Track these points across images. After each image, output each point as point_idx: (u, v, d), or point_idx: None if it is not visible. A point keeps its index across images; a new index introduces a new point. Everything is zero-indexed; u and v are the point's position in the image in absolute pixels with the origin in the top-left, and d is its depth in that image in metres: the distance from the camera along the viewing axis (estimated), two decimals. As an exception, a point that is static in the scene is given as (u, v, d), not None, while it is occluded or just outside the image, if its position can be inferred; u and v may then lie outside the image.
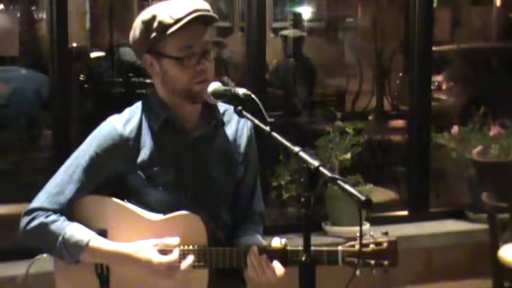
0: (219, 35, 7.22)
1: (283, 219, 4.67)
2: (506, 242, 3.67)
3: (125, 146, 2.23)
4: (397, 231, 4.27)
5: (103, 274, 2.25)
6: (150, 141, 2.25)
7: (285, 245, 2.18)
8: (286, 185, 4.15)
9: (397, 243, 2.16)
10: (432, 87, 5.14)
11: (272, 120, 2.02)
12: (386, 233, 2.17)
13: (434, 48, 5.06)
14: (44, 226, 2.20)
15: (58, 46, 3.87)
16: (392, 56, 7.79)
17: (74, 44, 6.77)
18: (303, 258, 1.85)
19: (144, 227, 2.23)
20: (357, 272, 2.07)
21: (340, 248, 2.16)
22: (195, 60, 2.18)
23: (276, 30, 7.54)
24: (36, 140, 4.82)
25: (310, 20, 8.28)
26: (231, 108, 2.16)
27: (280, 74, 6.88)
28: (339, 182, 1.79)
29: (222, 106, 2.33)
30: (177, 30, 2.14)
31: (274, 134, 1.99)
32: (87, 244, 2.18)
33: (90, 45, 8.15)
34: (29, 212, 2.24)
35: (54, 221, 2.20)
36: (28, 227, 2.21)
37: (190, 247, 2.19)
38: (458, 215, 4.74)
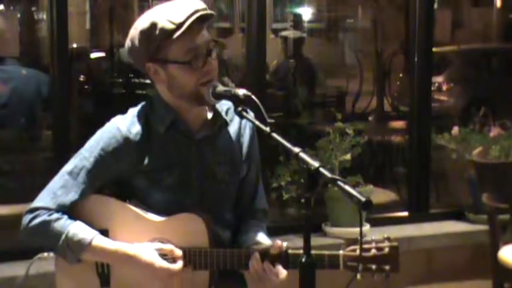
0: (219, 35, 7.23)
1: (283, 220, 4.67)
2: (506, 243, 3.67)
3: (130, 149, 2.24)
4: (397, 232, 4.27)
5: (104, 273, 2.25)
6: (156, 144, 2.25)
7: (287, 249, 2.18)
8: (286, 185, 4.15)
9: (398, 248, 2.16)
10: (432, 88, 5.13)
11: (272, 121, 2.03)
12: (388, 238, 2.17)
13: (434, 49, 5.06)
14: (46, 224, 2.21)
15: (58, 46, 3.87)
16: (392, 56, 7.79)
17: (74, 45, 6.77)
18: (303, 260, 1.85)
19: (145, 228, 2.23)
20: (358, 277, 2.07)
21: (341, 252, 2.15)
22: (201, 62, 2.18)
23: (276, 31, 7.54)
24: (36, 140, 4.81)
25: (310, 21, 8.29)
26: (232, 106, 2.16)
27: (280, 74, 6.89)
28: (339, 182, 1.79)
29: (224, 104, 2.34)
30: (180, 35, 2.13)
31: (274, 134, 2.00)
32: (89, 243, 2.19)
33: (90, 46, 8.15)
34: (32, 210, 2.24)
35: (57, 219, 2.21)
36: (30, 225, 2.22)
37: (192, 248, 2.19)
38: (459, 216, 4.74)
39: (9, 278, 3.50)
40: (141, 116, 2.28)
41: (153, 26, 2.16)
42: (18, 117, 4.63)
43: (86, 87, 6.73)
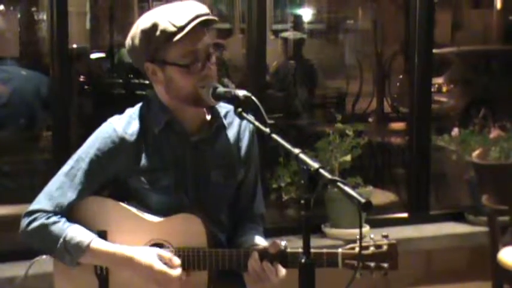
0: (219, 36, 7.23)
1: (282, 221, 4.68)
2: (506, 244, 3.67)
3: (126, 150, 2.23)
4: (397, 233, 4.27)
5: (102, 275, 2.25)
6: (151, 144, 2.25)
7: (285, 248, 2.17)
8: (286, 186, 4.14)
9: (397, 246, 2.15)
10: (432, 90, 5.13)
11: (272, 122, 2.02)
12: (386, 236, 2.16)
13: (434, 50, 5.06)
14: (44, 227, 2.20)
15: (58, 47, 3.86)
16: (392, 58, 7.80)
17: (74, 45, 6.78)
18: (303, 260, 1.84)
19: (143, 229, 2.23)
20: (357, 275, 2.06)
21: (340, 250, 2.14)
22: (200, 66, 2.17)
23: (276, 32, 7.55)
24: (35, 141, 4.82)
25: (310, 22, 8.30)
26: (233, 109, 2.15)
27: (280, 76, 6.89)
28: (338, 184, 1.78)
29: (224, 108, 2.33)
30: (181, 38, 2.13)
31: (274, 135, 1.99)
32: (88, 246, 2.18)
33: (90, 46, 8.16)
34: (30, 213, 2.23)
35: (55, 223, 2.20)
36: (29, 228, 2.21)
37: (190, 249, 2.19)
38: (458, 218, 4.73)
39: (8, 279, 3.50)
40: (137, 117, 2.27)
41: (155, 26, 2.15)
42: (18, 118, 4.64)
43: (86, 87, 6.74)
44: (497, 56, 9.35)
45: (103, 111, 5.86)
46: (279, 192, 4.19)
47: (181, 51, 2.16)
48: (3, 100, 4.55)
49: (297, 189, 4.08)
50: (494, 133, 4.59)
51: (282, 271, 2.17)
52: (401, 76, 7.87)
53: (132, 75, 6.57)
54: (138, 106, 2.32)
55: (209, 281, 2.21)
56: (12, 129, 4.66)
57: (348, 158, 4.17)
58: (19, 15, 5.40)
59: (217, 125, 2.31)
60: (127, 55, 2.34)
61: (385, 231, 2.21)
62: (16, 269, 3.48)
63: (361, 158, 4.35)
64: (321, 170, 1.82)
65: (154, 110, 2.27)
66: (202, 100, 2.18)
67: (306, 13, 8.25)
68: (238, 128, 2.36)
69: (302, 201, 1.83)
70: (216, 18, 2.23)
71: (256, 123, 2.05)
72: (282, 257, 2.16)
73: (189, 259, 2.19)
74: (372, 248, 2.13)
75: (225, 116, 2.33)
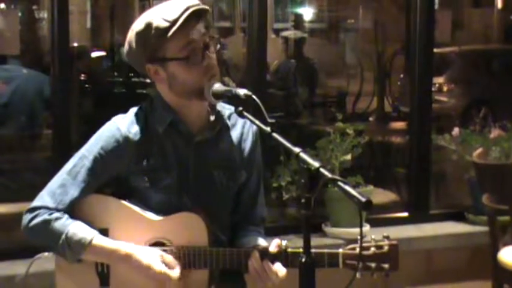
0: (220, 35, 7.24)
1: (283, 220, 4.68)
2: (506, 244, 3.67)
3: (129, 149, 2.24)
4: (397, 232, 4.27)
5: (103, 273, 2.25)
6: (155, 144, 2.25)
7: (286, 247, 2.17)
8: (286, 185, 4.15)
9: (398, 246, 2.15)
10: (433, 89, 5.13)
11: (273, 121, 2.02)
12: (387, 237, 2.16)
13: (435, 50, 5.07)
14: (47, 223, 2.21)
15: (59, 45, 3.86)
16: (393, 57, 7.81)
17: (75, 44, 6.78)
18: (303, 260, 1.84)
19: (145, 227, 2.24)
20: (358, 275, 2.06)
21: (340, 250, 2.15)
22: (199, 56, 2.17)
23: (277, 31, 7.56)
24: (36, 140, 4.83)
25: (311, 21, 8.30)
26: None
27: (281, 74, 6.90)
28: (339, 183, 1.78)
29: (228, 109, 2.33)
30: (175, 31, 2.14)
31: (274, 134, 1.99)
32: (89, 242, 2.19)
33: (91, 45, 8.17)
34: (32, 209, 2.24)
35: (57, 219, 2.21)
36: (31, 224, 2.22)
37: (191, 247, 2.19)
38: (459, 217, 4.74)
39: (8, 277, 3.50)
40: (141, 116, 2.28)
41: (149, 26, 2.16)
42: (19, 116, 4.65)
43: (87, 86, 6.75)
44: (497, 56, 9.35)
45: (103, 109, 5.88)
46: (279, 191, 4.19)
47: (178, 44, 2.16)
48: (4, 99, 4.55)
49: (297, 188, 4.09)
50: (494, 133, 4.60)
51: (283, 271, 2.17)
52: (401, 75, 7.88)
53: (132, 74, 6.58)
54: (141, 105, 2.32)
55: (210, 279, 2.22)
56: (13, 128, 4.67)
57: (349, 157, 4.17)
58: (20, 14, 5.40)
59: (221, 126, 2.31)
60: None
61: (385, 230, 2.21)
62: (16, 267, 3.48)
63: (362, 157, 4.35)
64: (322, 169, 1.82)
65: (158, 110, 2.27)
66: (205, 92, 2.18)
67: (307, 12, 8.25)
68: (241, 129, 2.36)
69: (302, 200, 1.83)
70: (207, 7, 2.23)
71: (257, 122, 2.05)
72: (283, 257, 2.17)
73: (190, 258, 2.19)
74: (372, 249, 2.14)
75: (229, 117, 2.33)
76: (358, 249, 2.11)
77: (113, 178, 2.28)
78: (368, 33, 8.26)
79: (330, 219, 4.29)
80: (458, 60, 9.04)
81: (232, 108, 2.30)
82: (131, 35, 2.21)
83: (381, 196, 5.10)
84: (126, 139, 2.23)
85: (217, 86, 2.17)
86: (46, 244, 2.26)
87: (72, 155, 2.31)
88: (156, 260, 2.17)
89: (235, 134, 2.35)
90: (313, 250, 1.87)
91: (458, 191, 4.84)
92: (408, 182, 4.87)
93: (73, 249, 2.19)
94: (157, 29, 2.14)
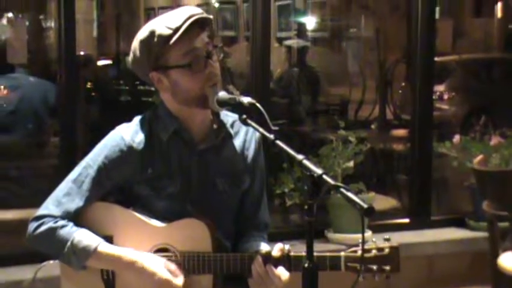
0: (224, 44, 7.26)
1: (286, 226, 4.70)
2: (506, 250, 3.68)
3: (133, 158, 2.25)
4: (398, 238, 4.25)
5: (109, 280, 2.27)
6: (158, 153, 2.27)
7: (288, 251, 2.19)
8: (289, 192, 4.17)
9: (398, 249, 2.16)
10: (434, 97, 5.15)
11: (276, 128, 2.03)
12: (388, 239, 2.18)
13: (436, 58, 5.09)
14: (52, 231, 2.22)
15: (66, 54, 3.87)
16: (394, 65, 7.82)
17: (82, 52, 6.80)
18: (306, 264, 1.87)
19: (149, 234, 2.25)
20: (360, 278, 2.08)
21: (342, 253, 2.16)
22: (202, 64, 2.19)
23: (280, 40, 7.57)
24: (43, 147, 4.84)
25: (314, 30, 8.30)
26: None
27: (284, 83, 6.91)
28: (341, 189, 1.81)
29: (231, 117, 2.35)
30: (178, 38, 2.16)
31: (278, 142, 2.00)
32: (95, 249, 2.20)
33: (97, 53, 8.18)
34: (37, 218, 2.26)
35: (62, 227, 2.23)
36: (36, 232, 2.24)
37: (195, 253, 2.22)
38: (459, 223, 4.75)
39: (16, 282, 3.51)
40: (145, 125, 2.30)
41: (152, 34, 2.19)
42: (26, 124, 4.66)
43: (93, 94, 6.75)
44: (498, 64, 9.36)
45: (109, 117, 5.90)
46: (282, 197, 4.21)
47: (180, 52, 2.18)
48: (11, 107, 4.58)
49: (300, 194, 4.11)
50: (494, 140, 4.61)
51: (286, 275, 2.18)
52: (403, 83, 7.89)
53: (138, 82, 6.59)
54: (145, 114, 2.34)
55: (214, 285, 2.23)
56: (20, 135, 4.68)
57: (351, 164, 4.19)
58: (27, 23, 5.44)
59: (224, 134, 2.33)
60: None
61: (386, 236, 2.23)
62: (23, 273, 3.49)
63: (364, 164, 4.37)
64: (324, 176, 1.85)
65: (162, 118, 2.29)
66: (209, 100, 2.20)
67: (310, 21, 8.26)
68: (244, 137, 2.38)
69: (305, 207, 1.86)
70: (210, 17, 2.25)
71: (261, 129, 2.07)
72: (286, 261, 2.18)
73: (194, 263, 2.21)
74: (374, 251, 2.15)
75: (232, 125, 2.35)
76: (359, 252, 2.13)
77: (117, 186, 2.30)
78: (370, 42, 8.27)
79: (333, 226, 4.30)
80: (459, 69, 9.05)
81: (235, 116, 2.31)
82: (135, 43, 2.24)
83: (383, 202, 5.11)
84: (130, 148, 2.25)
85: (222, 94, 2.18)
86: (51, 252, 2.27)
87: (78, 163, 2.33)
88: (161, 267, 2.19)
89: (238, 142, 2.37)
90: (315, 253, 1.89)
91: (459, 198, 4.86)
92: (409, 189, 4.88)
93: (78, 256, 2.21)
94: (160, 36, 2.17)
